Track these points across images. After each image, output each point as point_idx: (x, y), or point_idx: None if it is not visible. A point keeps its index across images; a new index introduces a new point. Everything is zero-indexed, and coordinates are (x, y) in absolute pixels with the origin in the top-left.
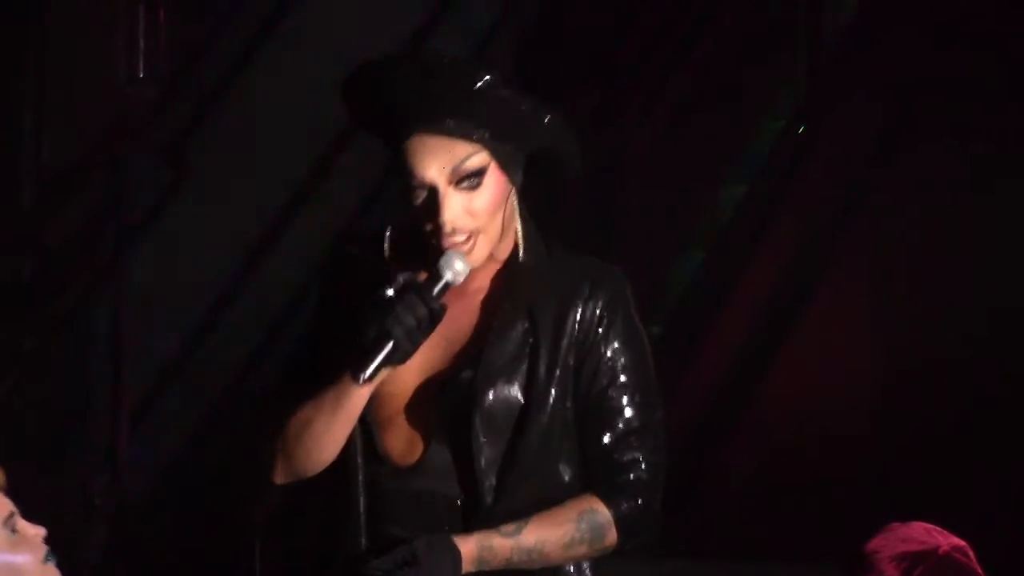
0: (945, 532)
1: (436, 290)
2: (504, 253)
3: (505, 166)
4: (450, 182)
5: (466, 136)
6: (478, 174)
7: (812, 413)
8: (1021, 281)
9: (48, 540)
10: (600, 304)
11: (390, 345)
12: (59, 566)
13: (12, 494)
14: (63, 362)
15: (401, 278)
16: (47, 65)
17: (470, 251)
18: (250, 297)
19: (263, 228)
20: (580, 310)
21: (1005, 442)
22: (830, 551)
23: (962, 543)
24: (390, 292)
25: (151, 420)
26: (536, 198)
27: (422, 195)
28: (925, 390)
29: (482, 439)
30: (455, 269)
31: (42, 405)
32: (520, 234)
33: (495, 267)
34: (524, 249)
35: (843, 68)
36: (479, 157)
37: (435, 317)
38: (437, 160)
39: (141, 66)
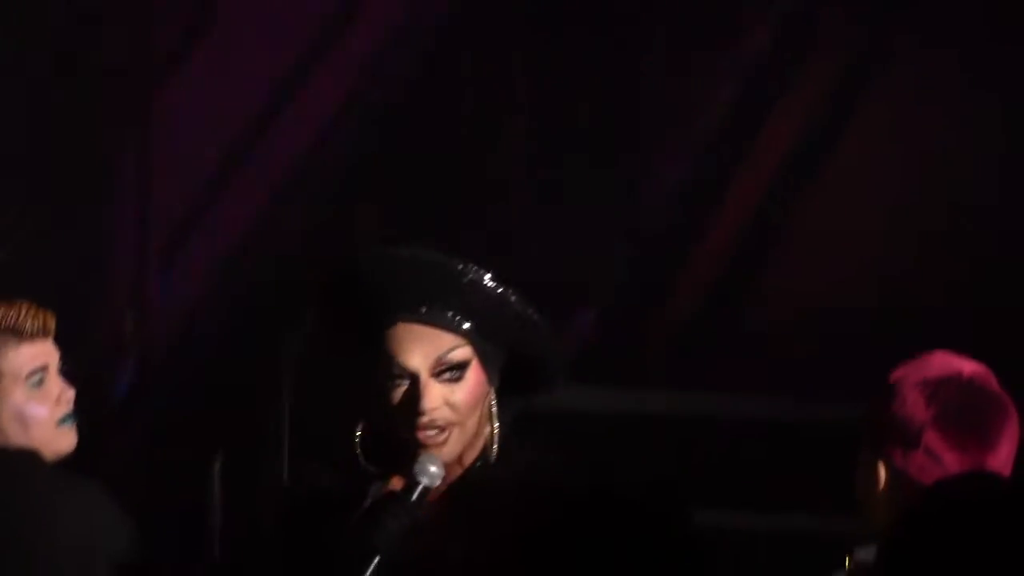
0: (966, 358)
1: (415, 497)
2: (471, 457)
3: (486, 363)
4: (432, 372)
5: (451, 327)
6: (460, 367)
7: (814, 312)
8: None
9: (75, 403)
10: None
11: (376, 560)
12: (79, 430)
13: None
14: (90, 202)
15: (376, 489)
16: None
17: (444, 444)
18: (278, 137)
19: (291, 66)
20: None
21: (1010, 311)
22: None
23: (983, 368)
24: (367, 503)
25: (179, 259)
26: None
27: (402, 385)
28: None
29: None
30: (430, 473)
31: (70, 245)
32: (494, 437)
33: (458, 470)
34: (496, 455)
35: None
36: (463, 350)
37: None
38: (421, 348)
39: None
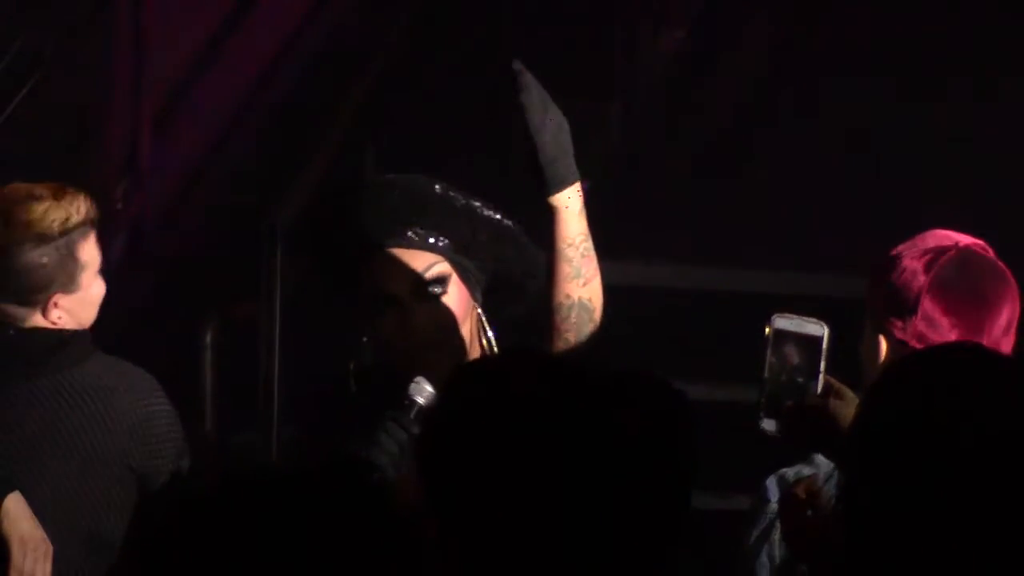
0: (964, 234)
1: (412, 415)
2: None
3: (466, 279)
4: (414, 292)
5: (426, 247)
6: (440, 282)
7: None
8: None
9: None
10: None
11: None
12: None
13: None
14: (85, 65)
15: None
16: None
17: (436, 365)
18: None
19: None
20: None
21: None
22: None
23: (981, 241)
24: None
25: (173, 124)
26: None
27: (388, 311)
28: None
29: None
30: (425, 393)
31: (65, 108)
32: (486, 351)
33: None
34: None
35: None
36: (440, 267)
37: None
38: (400, 272)
39: None
